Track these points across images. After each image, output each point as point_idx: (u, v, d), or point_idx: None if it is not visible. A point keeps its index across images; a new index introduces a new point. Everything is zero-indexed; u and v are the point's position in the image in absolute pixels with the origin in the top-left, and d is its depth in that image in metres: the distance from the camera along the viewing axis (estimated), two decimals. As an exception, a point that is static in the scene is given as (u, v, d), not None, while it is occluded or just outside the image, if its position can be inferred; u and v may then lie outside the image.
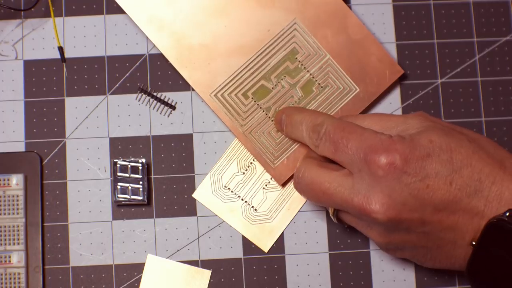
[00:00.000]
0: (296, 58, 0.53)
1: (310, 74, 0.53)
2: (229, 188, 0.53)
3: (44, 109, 0.54)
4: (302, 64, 0.53)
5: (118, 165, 0.51)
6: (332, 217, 0.49)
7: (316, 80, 0.53)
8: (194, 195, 0.53)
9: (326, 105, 0.53)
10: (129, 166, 0.51)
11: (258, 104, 0.53)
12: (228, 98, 0.53)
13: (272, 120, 0.52)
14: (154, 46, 0.54)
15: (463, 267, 0.45)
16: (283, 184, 0.53)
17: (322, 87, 0.53)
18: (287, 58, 0.53)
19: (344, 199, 0.45)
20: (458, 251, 0.45)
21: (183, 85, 0.54)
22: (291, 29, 0.53)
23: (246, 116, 0.53)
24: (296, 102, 0.53)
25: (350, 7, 0.55)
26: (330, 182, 0.46)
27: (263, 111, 0.53)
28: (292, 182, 0.51)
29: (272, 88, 0.53)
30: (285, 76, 0.53)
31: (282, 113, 0.52)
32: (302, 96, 0.53)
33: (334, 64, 0.53)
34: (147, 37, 0.55)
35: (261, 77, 0.53)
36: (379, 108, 0.55)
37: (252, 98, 0.53)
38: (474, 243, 0.44)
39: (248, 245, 0.53)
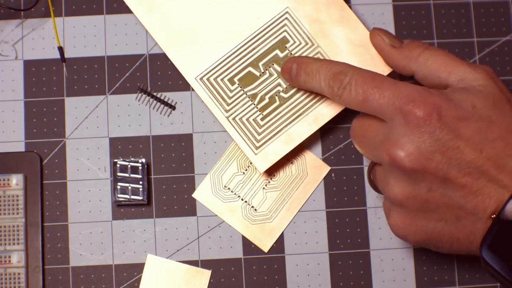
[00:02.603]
0: (286, 47, 0.53)
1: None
2: (229, 188, 0.53)
3: (44, 109, 0.54)
4: (291, 54, 0.53)
5: (118, 165, 0.51)
6: (367, 178, 0.52)
7: None
8: (194, 195, 0.53)
9: (316, 95, 0.52)
10: (129, 166, 0.51)
11: (244, 91, 0.53)
12: (213, 82, 0.52)
13: (257, 108, 0.52)
14: (156, 44, 0.54)
15: (474, 245, 0.44)
16: (269, 173, 0.53)
17: None
18: (276, 46, 0.53)
19: (376, 144, 0.46)
20: (478, 225, 0.44)
21: (183, 85, 0.54)
22: (282, 17, 0.53)
23: (231, 101, 0.52)
24: (283, 90, 0.53)
25: (350, 7, 0.55)
26: (369, 126, 0.47)
27: (249, 98, 0.52)
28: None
29: (260, 75, 0.53)
30: (273, 64, 0.53)
31: (293, 62, 0.51)
32: (289, 85, 0.53)
33: (325, 55, 0.53)
34: (147, 37, 0.55)
35: (249, 64, 0.53)
36: (379, 108, 0.55)
37: (238, 84, 0.53)
38: (494, 216, 0.42)
39: (248, 245, 0.53)
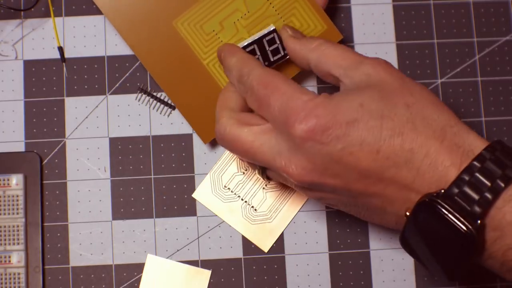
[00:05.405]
0: None
1: (273, 7, 0.50)
2: (229, 188, 0.53)
3: (44, 109, 0.54)
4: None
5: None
6: (260, 176, 0.47)
7: (279, 15, 0.50)
8: (194, 195, 0.53)
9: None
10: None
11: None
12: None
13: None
14: (154, 46, 0.54)
15: (397, 227, 0.43)
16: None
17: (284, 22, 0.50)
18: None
19: (266, 159, 0.44)
20: (388, 217, 0.43)
21: (183, 85, 0.54)
22: None
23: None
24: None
25: (350, 7, 0.55)
26: (252, 141, 0.44)
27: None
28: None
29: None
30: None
31: (220, 50, 0.49)
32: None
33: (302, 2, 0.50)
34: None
35: None
36: (379, 108, 0.55)
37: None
38: (407, 213, 0.41)
39: (248, 245, 0.53)
